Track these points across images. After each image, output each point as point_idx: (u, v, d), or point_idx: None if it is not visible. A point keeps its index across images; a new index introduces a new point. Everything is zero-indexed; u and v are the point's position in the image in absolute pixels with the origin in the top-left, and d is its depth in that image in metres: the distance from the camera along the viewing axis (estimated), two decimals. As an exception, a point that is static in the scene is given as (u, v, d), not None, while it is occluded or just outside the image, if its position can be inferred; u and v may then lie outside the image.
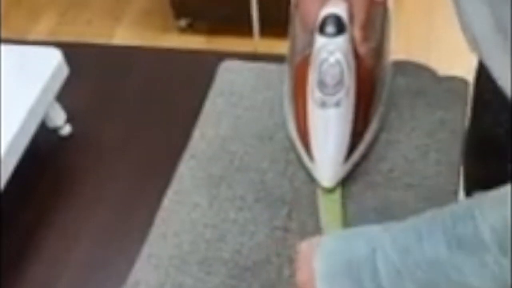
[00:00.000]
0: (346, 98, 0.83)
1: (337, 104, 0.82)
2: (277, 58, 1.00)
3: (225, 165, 0.91)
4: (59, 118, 1.67)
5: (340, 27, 0.82)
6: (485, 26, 0.59)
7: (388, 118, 0.93)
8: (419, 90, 0.96)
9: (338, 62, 0.82)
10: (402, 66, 0.99)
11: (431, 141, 0.90)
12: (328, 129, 0.84)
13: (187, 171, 0.91)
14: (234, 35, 2.45)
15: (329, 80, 0.82)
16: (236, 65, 1.05)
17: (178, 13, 2.52)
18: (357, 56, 0.84)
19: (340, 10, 0.84)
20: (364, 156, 0.88)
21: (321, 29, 0.83)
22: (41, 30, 2.64)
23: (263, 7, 2.27)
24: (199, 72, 1.15)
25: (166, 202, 0.89)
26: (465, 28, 0.65)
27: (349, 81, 0.83)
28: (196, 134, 0.96)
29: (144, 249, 0.84)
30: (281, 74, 0.98)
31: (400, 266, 0.63)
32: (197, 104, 1.00)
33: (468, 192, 1.08)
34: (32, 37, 2.58)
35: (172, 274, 0.81)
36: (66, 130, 1.67)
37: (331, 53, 0.82)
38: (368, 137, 0.88)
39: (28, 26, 2.65)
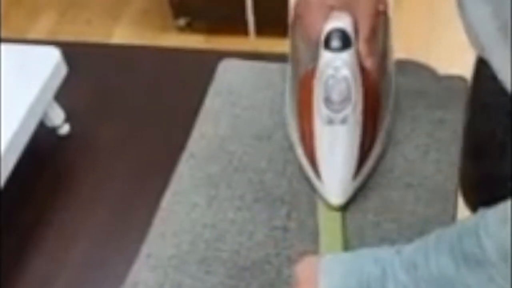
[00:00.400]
0: (353, 114, 0.81)
1: (344, 120, 0.81)
2: (276, 57, 1.00)
3: (224, 165, 0.90)
4: (57, 118, 1.66)
5: (346, 42, 0.81)
6: (486, 22, 0.59)
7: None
8: (419, 90, 0.96)
9: (344, 78, 0.81)
10: (402, 65, 0.98)
11: (431, 140, 0.90)
12: (336, 146, 0.82)
13: (186, 171, 0.91)
14: (233, 34, 2.45)
15: (336, 97, 0.81)
16: (235, 64, 1.05)
17: (177, 12, 2.52)
18: (362, 70, 0.83)
19: (345, 24, 0.82)
20: (373, 170, 0.86)
21: (326, 44, 0.81)
22: (40, 29, 2.64)
23: (260, 6, 2.27)
24: (198, 71, 1.15)
25: (165, 202, 0.88)
26: (467, 24, 0.64)
27: (356, 97, 0.81)
28: (195, 133, 0.95)
29: (143, 249, 0.84)
30: (281, 73, 0.97)
31: (408, 283, 0.64)
32: (196, 104, 0.99)
33: (464, 192, 1.07)
34: (31, 36, 2.58)
35: (171, 274, 0.80)
36: (65, 129, 1.66)
37: (337, 68, 0.81)
38: (376, 151, 0.86)
39: (27, 25, 2.65)
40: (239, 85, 1.01)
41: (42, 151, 1.46)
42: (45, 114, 1.62)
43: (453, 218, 0.83)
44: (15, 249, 1.35)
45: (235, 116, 0.96)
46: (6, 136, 1.43)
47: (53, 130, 1.63)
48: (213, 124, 0.96)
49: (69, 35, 2.56)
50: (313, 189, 0.85)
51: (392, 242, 0.79)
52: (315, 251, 0.79)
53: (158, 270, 0.81)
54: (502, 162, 0.95)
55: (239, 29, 2.37)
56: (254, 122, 0.95)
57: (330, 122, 0.81)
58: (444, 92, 0.95)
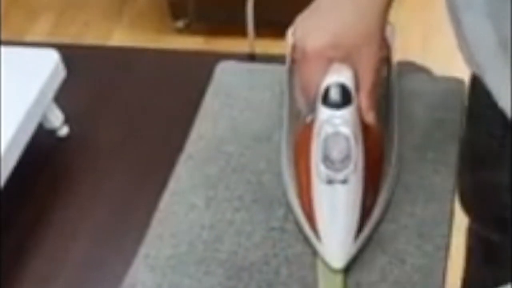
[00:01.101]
0: (354, 173, 0.76)
1: (345, 180, 0.76)
2: (275, 59, 1.00)
3: (222, 166, 0.91)
4: (56, 119, 1.67)
5: (346, 97, 0.76)
6: (486, 37, 0.58)
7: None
8: (416, 90, 0.96)
9: (344, 136, 0.76)
10: (399, 67, 0.99)
11: (428, 141, 0.90)
12: (336, 207, 0.77)
13: (184, 172, 0.91)
14: (232, 36, 2.45)
15: (336, 156, 0.76)
16: (233, 66, 1.05)
17: (176, 14, 2.52)
18: (364, 126, 0.78)
19: (345, 78, 0.77)
20: (375, 231, 0.82)
21: (325, 99, 0.76)
22: (39, 31, 2.64)
23: (260, 8, 2.27)
24: (197, 73, 1.15)
25: (163, 203, 0.89)
26: (463, 39, 0.64)
27: (357, 155, 0.76)
28: (193, 135, 0.96)
29: (141, 250, 0.84)
30: (279, 74, 0.97)
31: None
32: (195, 105, 1.00)
33: (461, 198, 1.07)
34: (30, 38, 2.58)
35: (169, 274, 0.81)
36: (64, 131, 1.67)
37: (336, 126, 0.76)
38: (378, 210, 0.81)
39: (26, 27, 2.65)
40: (237, 87, 1.01)
41: (41, 153, 1.46)
42: (44, 116, 1.62)
43: (450, 218, 0.83)
44: (15, 249, 1.35)
45: (233, 118, 0.97)
46: (6, 137, 1.44)
47: (52, 131, 1.63)
48: (211, 125, 0.96)
49: (67, 37, 2.56)
50: (312, 248, 0.81)
51: (389, 242, 0.80)
52: (312, 252, 0.80)
53: (156, 271, 0.81)
54: (498, 173, 0.95)
55: (239, 31, 2.37)
56: (252, 123, 0.95)
57: (330, 181, 0.76)
58: (441, 93, 0.96)
